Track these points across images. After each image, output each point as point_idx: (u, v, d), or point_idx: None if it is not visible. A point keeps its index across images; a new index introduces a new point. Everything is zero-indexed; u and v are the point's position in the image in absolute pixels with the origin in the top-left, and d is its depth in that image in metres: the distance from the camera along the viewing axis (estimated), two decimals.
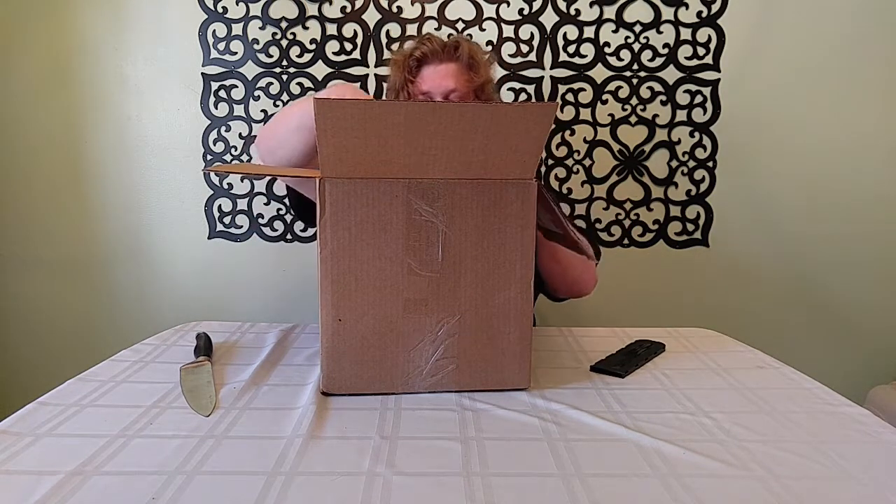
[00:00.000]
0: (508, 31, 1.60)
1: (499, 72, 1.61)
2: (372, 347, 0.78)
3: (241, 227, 1.69)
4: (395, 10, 1.59)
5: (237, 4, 1.59)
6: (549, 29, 1.60)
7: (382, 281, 0.76)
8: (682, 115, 1.64)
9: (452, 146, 0.73)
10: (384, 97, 1.25)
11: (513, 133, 0.73)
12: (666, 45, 1.61)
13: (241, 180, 1.67)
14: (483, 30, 1.60)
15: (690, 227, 1.69)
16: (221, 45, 1.61)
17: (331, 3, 1.59)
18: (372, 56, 1.61)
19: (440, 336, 0.78)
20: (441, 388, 0.80)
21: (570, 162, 1.66)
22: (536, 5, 1.59)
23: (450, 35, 1.59)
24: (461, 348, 0.79)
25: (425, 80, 1.13)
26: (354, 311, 0.76)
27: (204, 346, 0.94)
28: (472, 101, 1.16)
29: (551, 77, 1.62)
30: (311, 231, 1.69)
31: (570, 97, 1.63)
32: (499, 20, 1.60)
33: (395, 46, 1.60)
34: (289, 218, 1.69)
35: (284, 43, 1.60)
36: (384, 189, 0.74)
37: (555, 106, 0.76)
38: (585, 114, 1.64)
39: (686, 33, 1.60)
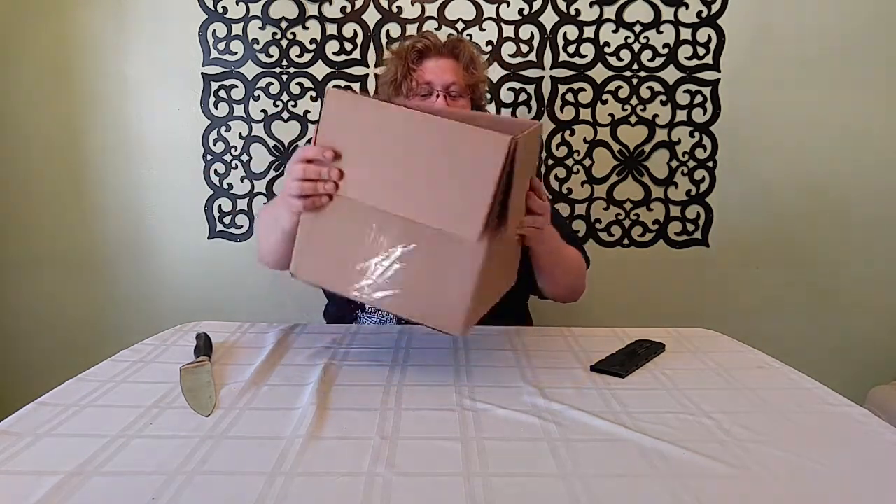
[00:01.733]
0: (508, 31, 1.60)
1: (499, 72, 1.61)
2: (337, 247, 0.85)
3: (241, 227, 1.69)
4: (395, 10, 1.59)
5: (237, 4, 1.59)
6: (549, 29, 1.60)
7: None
8: (682, 115, 1.64)
9: None
10: (379, 91, 1.26)
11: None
12: (666, 45, 1.61)
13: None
14: (483, 30, 1.60)
15: (690, 227, 1.69)
16: (221, 45, 1.61)
17: (331, 3, 1.59)
18: (372, 56, 1.61)
19: (395, 257, 0.83)
20: (383, 307, 0.87)
21: (570, 162, 1.66)
22: (536, 5, 1.59)
23: (449, 35, 1.59)
24: (408, 275, 0.83)
25: (427, 71, 1.17)
26: (328, 212, 0.84)
27: (204, 346, 0.94)
28: (468, 98, 1.20)
29: (551, 77, 1.62)
30: None
31: (570, 97, 1.63)
32: (499, 20, 1.60)
33: (395, 46, 1.60)
34: None
35: (284, 43, 1.60)
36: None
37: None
38: (585, 114, 1.64)
39: (686, 33, 1.60)
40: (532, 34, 1.60)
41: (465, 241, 0.79)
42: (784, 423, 0.72)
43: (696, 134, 1.65)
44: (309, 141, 1.64)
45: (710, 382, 0.85)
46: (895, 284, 1.71)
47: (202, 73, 1.62)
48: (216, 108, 1.64)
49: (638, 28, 1.60)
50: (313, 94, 1.62)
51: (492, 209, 0.77)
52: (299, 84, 1.62)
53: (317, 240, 0.86)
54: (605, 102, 1.63)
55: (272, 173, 1.66)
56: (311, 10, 1.59)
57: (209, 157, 1.66)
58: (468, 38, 1.59)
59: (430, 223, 0.79)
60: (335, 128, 0.82)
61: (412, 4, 1.59)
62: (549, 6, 1.59)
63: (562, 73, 1.62)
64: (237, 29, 1.60)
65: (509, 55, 1.61)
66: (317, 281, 0.90)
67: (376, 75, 1.61)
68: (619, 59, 1.61)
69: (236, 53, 1.61)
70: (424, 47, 1.18)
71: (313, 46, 1.61)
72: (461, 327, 0.82)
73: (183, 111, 1.64)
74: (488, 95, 1.61)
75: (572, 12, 1.59)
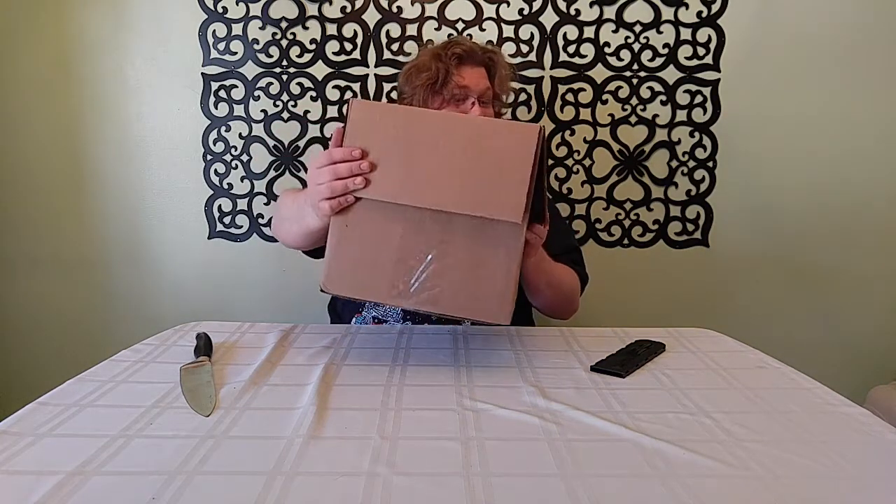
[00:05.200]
0: (508, 31, 1.60)
1: None
2: (370, 257, 0.84)
3: (241, 227, 1.69)
4: (395, 10, 1.59)
5: (237, 4, 1.59)
6: (549, 29, 1.60)
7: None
8: (682, 115, 1.64)
9: None
10: (406, 90, 1.25)
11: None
12: (666, 45, 1.61)
13: (241, 180, 1.67)
14: (483, 30, 1.60)
15: (690, 227, 1.69)
16: (221, 45, 1.61)
17: (331, 3, 1.59)
18: (372, 56, 1.61)
19: (432, 258, 0.83)
20: (424, 308, 0.85)
21: (570, 162, 1.66)
22: (536, 5, 1.59)
23: (449, 35, 1.59)
24: (448, 272, 0.83)
25: (465, 75, 1.20)
26: (361, 220, 0.84)
27: (204, 346, 0.94)
28: (491, 106, 1.24)
29: (551, 77, 1.62)
30: None
31: (570, 97, 1.63)
32: (499, 20, 1.60)
33: (395, 46, 1.60)
34: None
35: (284, 43, 1.60)
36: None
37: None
38: (585, 114, 1.64)
39: (686, 33, 1.60)
40: (532, 34, 1.60)
41: (506, 227, 0.81)
42: (784, 423, 0.72)
43: (696, 134, 1.65)
44: (309, 142, 1.64)
45: (710, 382, 0.85)
46: (895, 285, 1.71)
47: (202, 73, 1.62)
48: (216, 108, 1.64)
49: (638, 28, 1.60)
50: (313, 94, 1.62)
51: (529, 191, 0.79)
52: (299, 84, 1.62)
53: (348, 251, 0.85)
54: (605, 102, 1.63)
55: (272, 173, 1.66)
56: (311, 10, 1.59)
57: (209, 157, 1.66)
58: (468, 38, 1.59)
59: (470, 212, 0.80)
60: (361, 133, 0.82)
61: (412, 4, 1.59)
62: (549, 6, 1.59)
63: (562, 73, 1.62)
64: (237, 29, 1.60)
65: (509, 55, 1.61)
66: (350, 293, 0.89)
67: (376, 75, 1.61)
68: (619, 59, 1.61)
69: (236, 53, 1.61)
70: (463, 52, 1.21)
71: (313, 46, 1.61)
72: (508, 315, 0.84)
73: (183, 111, 1.64)
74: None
75: (572, 12, 1.59)
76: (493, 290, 0.83)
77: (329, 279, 0.86)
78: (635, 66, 1.62)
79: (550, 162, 1.66)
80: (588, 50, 1.61)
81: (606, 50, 1.61)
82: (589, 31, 1.60)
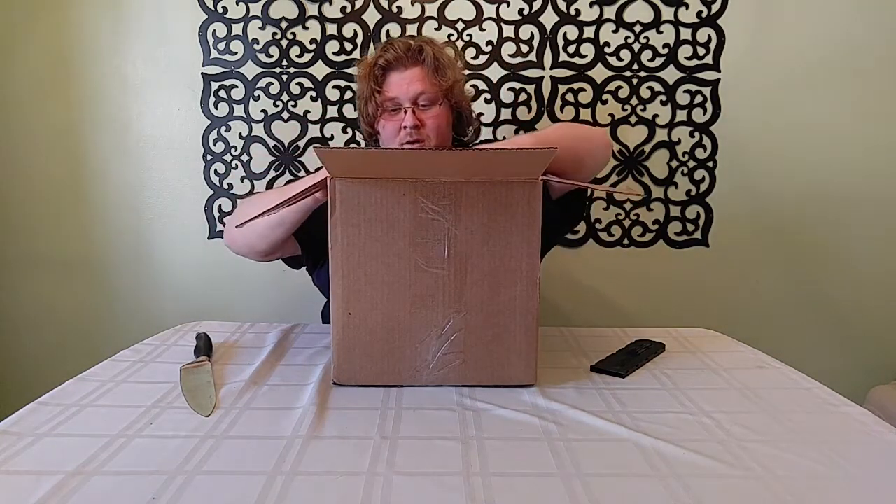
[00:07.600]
0: (508, 31, 1.60)
1: (499, 72, 1.61)
2: (380, 340, 0.81)
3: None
4: (395, 10, 1.59)
5: (237, 4, 1.59)
6: (549, 29, 1.60)
7: (391, 276, 0.79)
8: (682, 115, 1.64)
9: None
10: (356, 108, 1.23)
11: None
12: (666, 45, 1.61)
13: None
14: (483, 30, 1.60)
15: (690, 227, 1.69)
16: (221, 45, 1.61)
17: (331, 3, 1.59)
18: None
19: (446, 331, 0.80)
20: (447, 383, 0.82)
21: None
22: (536, 5, 1.59)
23: (449, 36, 1.59)
24: (467, 344, 0.81)
25: (391, 87, 1.12)
26: (364, 306, 0.79)
27: (204, 346, 0.94)
28: (443, 103, 1.13)
29: (551, 77, 1.62)
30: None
31: (570, 97, 1.63)
32: (499, 20, 1.60)
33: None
34: None
35: (284, 43, 1.60)
36: (392, 188, 0.77)
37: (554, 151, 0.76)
38: (585, 114, 1.64)
39: (686, 33, 1.60)
40: (532, 34, 1.60)
41: (520, 287, 0.78)
42: (784, 423, 0.72)
43: (696, 134, 1.65)
44: (309, 142, 1.64)
45: (710, 382, 0.85)
46: (895, 284, 1.71)
47: (202, 73, 1.62)
48: (216, 108, 1.64)
49: (638, 28, 1.60)
50: (313, 94, 1.62)
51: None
52: (299, 84, 1.62)
53: (355, 340, 0.81)
54: (605, 102, 1.63)
55: (272, 173, 1.66)
56: (311, 10, 1.59)
57: (209, 157, 1.66)
58: (468, 38, 1.59)
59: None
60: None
61: (412, 4, 1.59)
62: (549, 6, 1.59)
63: (562, 73, 1.62)
64: (237, 29, 1.60)
65: (509, 55, 1.61)
66: (366, 382, 0.82)
67: None
68: (619, 59, 1.61)
69: (236, 53, 1.61)
70: (386, 62, 1.12)
71: (313, 46, 1.61)
72: (534, 375, 0.83)
73: (183, 111, 1.64)
74: (486, 95, 1.61)
75: (572, 12, 1.59)
76: (516, 354, 0.81)
77: (340, 371, 0.82)
78: (635, 66, 1.62)
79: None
80: (588, 50, 1.61)
81: (606, 50, 1.61)
82: (589, 31, 1.60)
